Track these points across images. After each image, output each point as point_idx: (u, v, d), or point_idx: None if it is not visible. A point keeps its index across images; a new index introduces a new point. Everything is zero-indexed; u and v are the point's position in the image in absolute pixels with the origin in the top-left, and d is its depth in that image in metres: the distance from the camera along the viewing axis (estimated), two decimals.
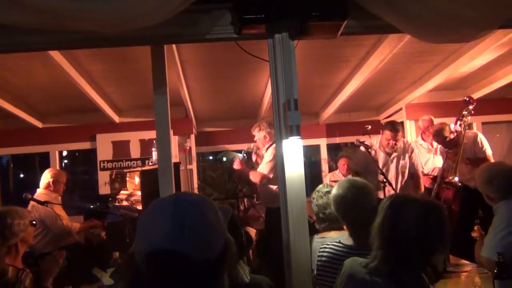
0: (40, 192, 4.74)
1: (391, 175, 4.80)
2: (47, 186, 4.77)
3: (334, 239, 2.54)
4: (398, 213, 1.81)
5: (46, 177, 4.82)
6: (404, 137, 4.99)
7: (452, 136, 4.84)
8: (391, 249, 1.80)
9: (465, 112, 4.96)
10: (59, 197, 4.99)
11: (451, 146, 4.90)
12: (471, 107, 4.95)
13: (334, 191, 2.52)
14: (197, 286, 1.08)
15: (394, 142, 4.78)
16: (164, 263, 1.06)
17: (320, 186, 2.84)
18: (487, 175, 2.95)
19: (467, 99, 5.04)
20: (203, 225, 1.11)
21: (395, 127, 4.81)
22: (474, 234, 3.28)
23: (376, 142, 4.96)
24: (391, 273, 1.78)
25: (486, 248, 2.75)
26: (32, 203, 4.45)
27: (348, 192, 2.44)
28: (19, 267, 2.71)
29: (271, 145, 4.66)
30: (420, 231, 1.75)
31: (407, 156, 4.90)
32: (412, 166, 4.91)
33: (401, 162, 4.88)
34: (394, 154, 4.88)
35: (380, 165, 4.79)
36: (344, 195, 2.44)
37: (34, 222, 2.98)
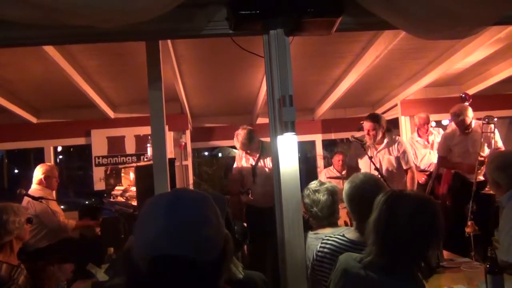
0: (34, 189, 4.72)
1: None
2: (40, 182, 4.74)
3: (327, 235, 2.55)
4: (393, 209, 1.83)
5: (38, 173, 4.79)
6: (390, 131, 4.96)
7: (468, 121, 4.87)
8: (385, 244, 1.81)
9: None
10: (53, 193, 4.97)
11: (463, 129, 4.94)
12: (467, 103, 4.98)
13: (347, 184, 2.52)
14: (199, 286, 1.07)
15: (373, 132, 4.74)
16: (166, 266, 1.05)
17: (312, 184, 2.84)
18: (501, 161, 2.87)
19: (463, 95, 5.07)
20: (203, 227, 1.10)
21: (374, 118, 4.81)
22: (468, 230, 3.30)
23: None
24: (385, 267, 1.80)
25: (505, 250, 2.60)
26: (27, 198, 4.44)
27: (363, 186, 2.44)
28: (14, 264, 2.70)
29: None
30: (414, 227, 1.77)
31: (395, 151, 4.82)
32: (405, 163, 4.81)
33: (386, 157, 4.81)
34: (380, 148, 4.82)
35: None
36: (359, 187, 2.45)
37: (31, 219, 2.96)
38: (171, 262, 1.04)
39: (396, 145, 4.83)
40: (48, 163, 5.25)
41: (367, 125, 4.79)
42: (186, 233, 1.07)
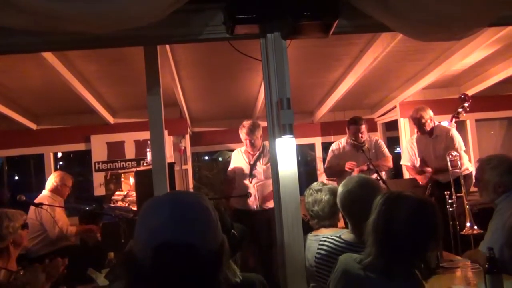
0: (45, 195, 4.71)
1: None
2: (53, 189, 4.73)
3: (326, 236, 2.56)
4: (392, 210, 1.84)
5: (52, 180, 4.77)
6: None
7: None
8: (384, 245, 1.82)
9: (460, 109, 5.00)
10: (63, 201, 4.94)
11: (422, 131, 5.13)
12: (466, 104, 4.98)
13: (340, 188, 2.53)
14: (201, 277, 1.09)
15: (360, 134, 5.11)
16: (171, 254, 1.06)
17: (314, 184, 2.86)
18: (507, 165, 2.89)
19: (463, 96, 5.07)
20: (204, 216, 1.14)
21: (358, 121, 5.22)
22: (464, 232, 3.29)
23: (344, 140, 5.34)
24: (385, 268, 1.81)
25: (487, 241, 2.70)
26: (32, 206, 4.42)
27: (356, 188, 2.45)
28: (12, 269, 2.69)
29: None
30: (413, 228, 1.79)
31: (373, 149, 5.23)
32: (381, 153, 5.28)
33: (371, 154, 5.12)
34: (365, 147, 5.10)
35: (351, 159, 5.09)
36: (351, 191, 2.46)
37: (26, 225, 2.94)
38: (176, 249, 1.06)
39: (373, 143, 5.30)
40: (63, 172, 5.19)
41: (353, 128, 5.17)
42: (189, 222, 1.09)
